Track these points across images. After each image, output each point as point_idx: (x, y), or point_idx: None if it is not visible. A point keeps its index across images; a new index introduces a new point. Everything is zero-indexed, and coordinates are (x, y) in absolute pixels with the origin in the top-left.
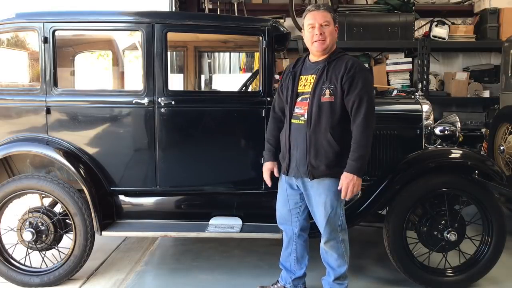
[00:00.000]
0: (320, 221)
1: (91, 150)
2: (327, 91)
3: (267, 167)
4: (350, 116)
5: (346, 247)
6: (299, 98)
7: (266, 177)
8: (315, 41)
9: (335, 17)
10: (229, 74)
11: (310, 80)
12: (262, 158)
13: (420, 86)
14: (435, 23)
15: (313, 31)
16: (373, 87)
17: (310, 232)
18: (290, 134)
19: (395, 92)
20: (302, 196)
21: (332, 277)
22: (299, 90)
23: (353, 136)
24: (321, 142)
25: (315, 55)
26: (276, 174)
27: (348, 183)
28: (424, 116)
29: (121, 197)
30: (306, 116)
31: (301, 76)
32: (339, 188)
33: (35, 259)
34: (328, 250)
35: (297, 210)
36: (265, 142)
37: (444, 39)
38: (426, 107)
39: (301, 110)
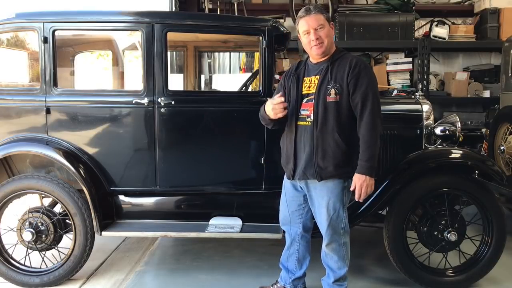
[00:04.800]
0: (322, 223)
1: (91, 150)
2: (333, 91)
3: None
4: (356, 114)
5: (347, 250)
6: (304, 100)
7: (278, 106)
8: (313, 46)
9: (328, 16)
10: (229, 74)
11: (314, 81)
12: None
13: (420, 86)
14: (435, 23)
15: (309, 36)
16: (377, 85)
17: (312, 232)
18: (296, 137)
19: (395, 92)
20: (305, 198)
21: (331, 279)
22: (303, 92)
23: (360, 136)
24: (328, 143)
25: (316, 58)
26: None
27: (362, 184)
28: (424, 116)
29: (121, 197)
30: (312, 117)
31: (305, 78)
32: (351, 189)
33: (35, 259)
34: (329, 253)
35: (300, 211)
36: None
37: (444, 39)
38: (426, 107)
39: (307, 111)
